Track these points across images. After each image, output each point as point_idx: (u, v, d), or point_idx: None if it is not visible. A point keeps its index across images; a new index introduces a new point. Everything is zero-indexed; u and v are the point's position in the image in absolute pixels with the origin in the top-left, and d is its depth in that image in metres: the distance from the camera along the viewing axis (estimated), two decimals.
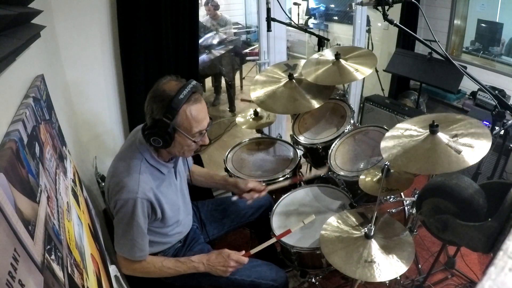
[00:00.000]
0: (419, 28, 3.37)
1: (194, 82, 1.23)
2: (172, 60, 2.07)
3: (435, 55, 2.90)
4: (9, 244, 0.53)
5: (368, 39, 3.57)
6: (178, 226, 1.48)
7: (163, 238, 1.44)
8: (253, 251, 1.46)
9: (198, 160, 2.32)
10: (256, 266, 1.51)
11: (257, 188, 1.66)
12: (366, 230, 1.38)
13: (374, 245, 1.35)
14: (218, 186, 1.77)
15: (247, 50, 4.80)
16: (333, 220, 1.53)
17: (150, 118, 1.22)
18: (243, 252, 1.43)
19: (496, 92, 1.61)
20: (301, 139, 2.10)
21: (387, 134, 1.50)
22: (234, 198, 1.64)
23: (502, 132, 1.57)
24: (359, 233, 1.42)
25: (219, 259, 1.39)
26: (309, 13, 5.31)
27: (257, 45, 3.52)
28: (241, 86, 5.00)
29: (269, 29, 2.12)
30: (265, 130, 2.66)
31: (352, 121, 2.04)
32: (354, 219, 1.52)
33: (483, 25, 3.15)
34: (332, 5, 5.18)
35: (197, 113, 1.22)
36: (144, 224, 1.28)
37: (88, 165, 2.02)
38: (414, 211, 1.76)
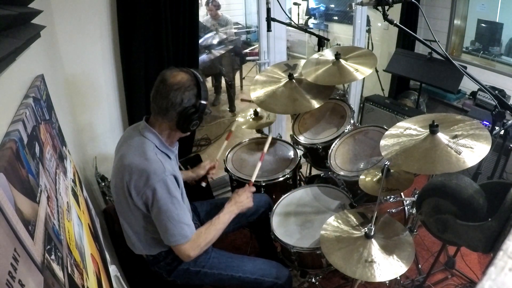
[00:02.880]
0: (419, 28, 3.37)
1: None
2: (172, 60, 2.07)
3: (435, 55, 2.90)
4: (9, 244, 0.53)
5: (368, 39, 3.57)
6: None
7: None
8: (252, 178, 1.71)
9: (198, 160, 2.32)
10: (260, 264, 1.52)
11: (211, 165, 1.83)
12: (366, 230, 1.38)
13: (374, 245, 1.35)
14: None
15: (247, 50, 4.80)
16: (333, 220, 1.53)
17: (180, 108, 1.29)
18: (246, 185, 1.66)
19: (496, 92, 1.61)
20: (301, 139, 2.10)
21: (387, 132, 1.50)
22: (203, 184, 1.79)
23: (502, 132, 1.57)
24: (359, 233, 1.42)
25: (241, 195, 1.58)
26: (309, 13, 5.30)
27: (257, 45, 3.52)
28: (241, 86, 4.99)
29: (269, 29, 2.13)
30: (265, 130, 2.66)
31: (352, 121, 2.04)
32: (354, 219, 1.52)
33: (483, 25, 3.15)
34: (332, 5, 5.18)
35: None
36: (180, 198, 1.32)
37: (88, 165, 2.02)
38: (414, 211, 1.76)
